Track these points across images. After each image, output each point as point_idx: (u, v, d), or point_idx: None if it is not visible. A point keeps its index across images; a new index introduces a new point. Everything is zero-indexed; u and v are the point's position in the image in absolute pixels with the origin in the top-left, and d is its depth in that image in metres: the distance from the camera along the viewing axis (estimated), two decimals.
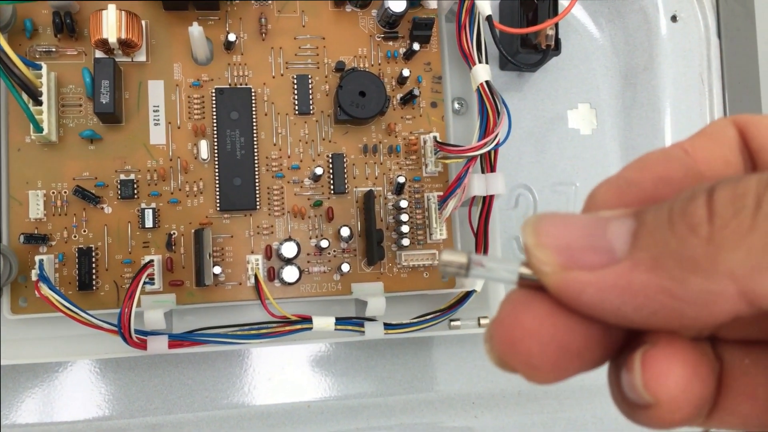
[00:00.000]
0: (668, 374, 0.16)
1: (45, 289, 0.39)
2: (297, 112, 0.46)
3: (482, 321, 0.48)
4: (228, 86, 0.45)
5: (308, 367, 0.49)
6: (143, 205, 0.43)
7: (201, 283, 0.42)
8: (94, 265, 0.43)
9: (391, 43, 0.48)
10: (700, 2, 0.55)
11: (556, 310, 0.17)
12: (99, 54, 0.43)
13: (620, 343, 0.18)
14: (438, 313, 0.45)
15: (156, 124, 0.44)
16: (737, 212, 0.15)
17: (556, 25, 0.50)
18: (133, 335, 0.40)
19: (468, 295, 0.45)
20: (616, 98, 0.55)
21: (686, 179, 0.18)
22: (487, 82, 0.44)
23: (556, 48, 0.50)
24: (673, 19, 0.55)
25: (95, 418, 0.46)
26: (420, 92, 0.47)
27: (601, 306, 0.16)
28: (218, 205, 0.44)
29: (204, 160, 0.44)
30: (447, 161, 0.47)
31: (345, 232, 0.44)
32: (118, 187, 0.43)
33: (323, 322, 0.43)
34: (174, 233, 0.44)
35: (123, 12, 0.41)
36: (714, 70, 0.55)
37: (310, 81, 0.46)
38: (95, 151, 0.43)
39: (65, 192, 0.43)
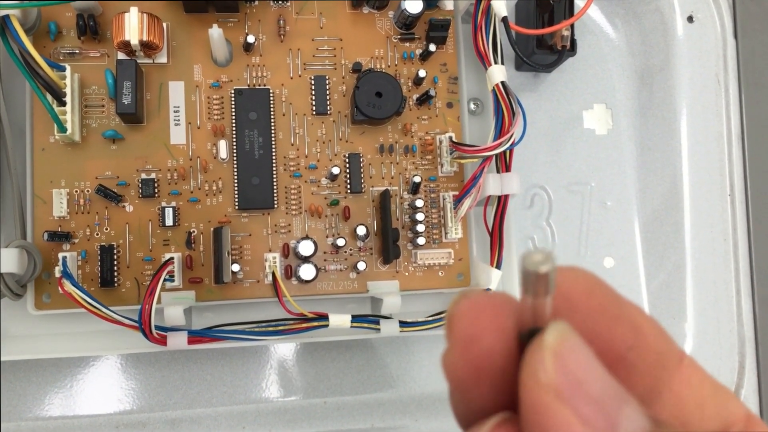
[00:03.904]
0: None
1: (68, 286, 0.39)
2: (314, 113, 0.47)
3: None
4: (247, 87, 0.46)
5: (324, 363, 0.50)
6: (164, 204, 0.44)
7: (220, 281, 0.43)
8: (115, 263, 0.43)
9: (407, 44, 0.48)
10: (716, 3, 0.55)
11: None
12: (121, 56, 0.44)
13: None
14: None
15: (176, 125, 0.45)
16: None
17: (572, 25, 0.50)
18: (154, 331, 0.40)
19: None
20: (632, 99, 0.56)
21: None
22: (502, 82, 0.45)
23: (572, 49, 0.51)
24: (690, 19, 0.55)
25: (116, 412, 0.47)
26: (436, 93, 0.47)
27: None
28: (237, 203, 0.45)
29: (223, 159, 0.45)
30: (462, 161, 0.47)
31: (361, 230, 0.45)
32: (140, 186, 0.44)
33: (339, 320, 0.43)
34: (193, 231, 0.44)
35: (145, 14, 0.42)
36: (730, 70, 0.55)
37: (327, 82, 0.47)
38: (117, 150, 0.44)
39: (88, 191, 0.44)
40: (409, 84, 0.48)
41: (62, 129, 0.42)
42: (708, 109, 0.55)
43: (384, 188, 0.46)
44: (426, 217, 0.47)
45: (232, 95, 0.45)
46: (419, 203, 0.46)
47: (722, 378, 0.53)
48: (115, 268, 0.43)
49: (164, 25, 0.45)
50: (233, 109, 0.45)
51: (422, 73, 0.47)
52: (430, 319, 0.45)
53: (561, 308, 0.17)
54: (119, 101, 0.42)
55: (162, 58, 0.45)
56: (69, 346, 0.45)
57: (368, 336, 0.45)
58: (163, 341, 0.41)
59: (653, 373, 0.17)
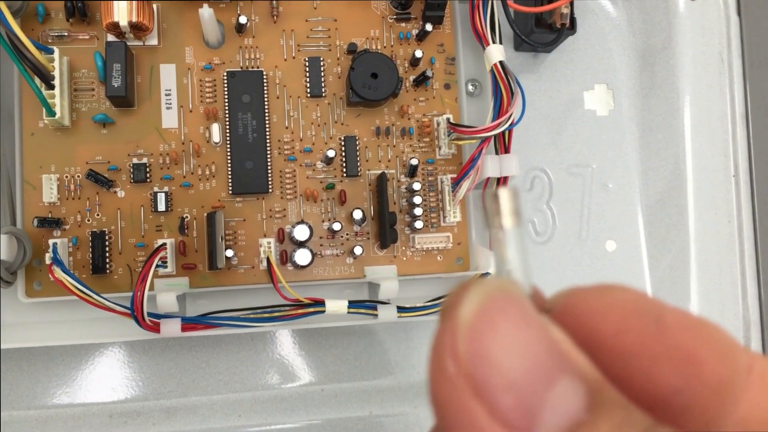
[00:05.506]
0: None
1: (59, 273, 0.39)
2: (309, 95, 0.46)
3: None
4: (239, 69, 0.45)
5: (321, 350, 0.49)
6: (156, 189, 0.43)
7: (213, 267, 0.42)
8: (107, 249, 0.43)
9: (403, 24, 0.47)
10: None
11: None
12: (111, 38, 0.43)
13: None
14: None
15: (168, 108, 0.44)
16: None
17: (572, 3, 0.49)
18: (147, 318, 0.40)
19: (482, 277, 0.45)
20: (634, 78, 0.54)
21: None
22: (501, 62, 0.44)
23: (572, 27, 0.49)
24: None
25: (110, 401, 0.47)
26: (433, 74, 0.46)
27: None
28: (230, 188, 0.44)
29: (216, 143, 0.44)
30: (460, 142, 0.46)
31: (358, 215, 0.44)
32: (131, 170, 0.43)
33: (336, 306, 0.42)
34: (186, 217, 0.44)
35: None
36: (734, 48, 0.54)
37: (322, 63, 0.46)
38: (108, 135, 0.43)
39: (78, 176, 0.43)
40: (406, 65, 0.47)
41: (51, 113, 0.41)
42: (711, 88, 0.54)
43: (380, 171, 0.45)
44: (424, 200, 0.46)
45: (225, 78, 0.44)
46: (417, 186, 0.45)
47: None
48: (107, 254, 0.43)
49: (154, 6, 0.44)
50: (226, 92, 0.44)
51: (419, 54, 0.46)
52: (429, 304, 0.45)
53: (584, 348, 0.14)
54: (109, 84, 0.41)
55: (152, 41, 0.44)
56: (61, 334, 0.44)
57: (366, 322, 0.44)
58: (156, 328, 0.41)
59: (710, 410, 0.14)
